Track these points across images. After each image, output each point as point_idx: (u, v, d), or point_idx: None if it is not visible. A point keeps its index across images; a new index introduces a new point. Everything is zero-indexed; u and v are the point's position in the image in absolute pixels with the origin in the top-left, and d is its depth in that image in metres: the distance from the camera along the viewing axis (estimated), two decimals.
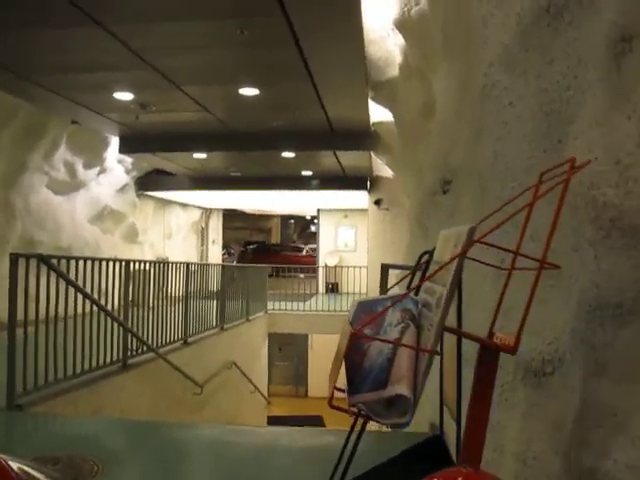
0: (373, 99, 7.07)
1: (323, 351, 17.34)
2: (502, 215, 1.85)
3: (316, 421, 14.08)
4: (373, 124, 8.61)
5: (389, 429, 1.36)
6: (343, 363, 1.25)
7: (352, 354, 1.29)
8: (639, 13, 1.31)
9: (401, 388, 1.19)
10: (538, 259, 1.18)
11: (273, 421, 13.51)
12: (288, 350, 19.26)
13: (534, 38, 2.09)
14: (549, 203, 1.42)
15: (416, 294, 1.49)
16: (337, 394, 1.43)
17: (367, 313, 1.44)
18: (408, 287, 1.74)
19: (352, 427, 1.77)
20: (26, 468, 0.94)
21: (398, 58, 5.50)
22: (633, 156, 1.23)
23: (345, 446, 1.82)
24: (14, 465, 0.90)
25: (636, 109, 1.25)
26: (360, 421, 1.48)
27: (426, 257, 1.80)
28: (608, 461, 1.24)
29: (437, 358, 2.47)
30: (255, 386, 11.27)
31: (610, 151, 1.32)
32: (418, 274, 1.79)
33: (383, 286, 4.28)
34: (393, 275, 4.78)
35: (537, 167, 2.09)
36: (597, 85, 1.53)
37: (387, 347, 1.26)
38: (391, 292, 1.75)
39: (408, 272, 1.73)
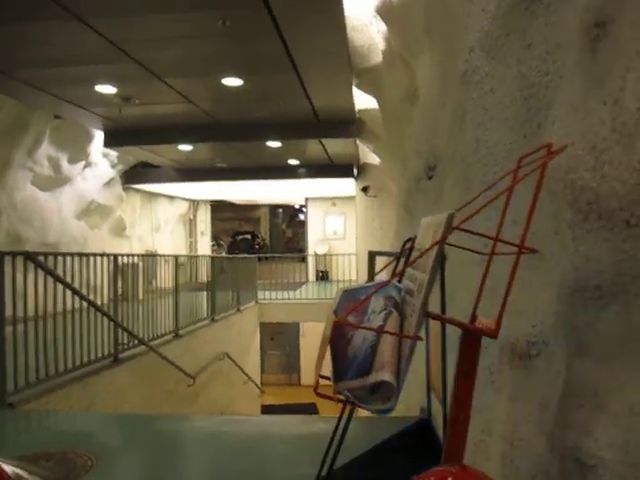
0: (357, 86, 7.06)
1: (315, 339, 17.27)
2: (484, 201, 1.87)
3: (310, 409, 14.15)
4: (358, 111, 8.60)
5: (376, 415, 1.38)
6: (328, 351, 1.27)
7: (337, 342, 1.31)
8: None
9: (384, 374, 1.21)
10: (516, 244, 1.20)
11: (267, 410, 13.57)
12: (280, 339, 19.33)
13: (513, 22, 2.10)
14: (530, 188, 1.44)
15: (400, 281, 1.51)
16: (324, 382, 1.46)
17: (351, 301, 1.46)
18: (392, 274, 1.75)
19: (341, 414, 1.80)
20: (20, 472, 0.96)
21: (381, 45, 5.49)
22: (608, 141, 1.25)
23: (335, 432, 1.84)
24: (8, 469, 0.91)
25: (611, 95, 1.27)
26: (348, 408, 1.50)
27: (409, 244, 1.81)
28: (589, 440, 1.26)
29: (424, 343, 2.50)
30: (248, 376, 11.31)
31: (586, 136, 1.34)
32: (403, 261, 1.80)
33: (371, 273, 4.30)
34: (381, 262, 4.80)
35: (518, 152, 2.10)
36: (574, 70, 1.55)
37: (371, 334, 1.28)
38: (377, 279, 1.76)
39: (392, 259, 1.74)
